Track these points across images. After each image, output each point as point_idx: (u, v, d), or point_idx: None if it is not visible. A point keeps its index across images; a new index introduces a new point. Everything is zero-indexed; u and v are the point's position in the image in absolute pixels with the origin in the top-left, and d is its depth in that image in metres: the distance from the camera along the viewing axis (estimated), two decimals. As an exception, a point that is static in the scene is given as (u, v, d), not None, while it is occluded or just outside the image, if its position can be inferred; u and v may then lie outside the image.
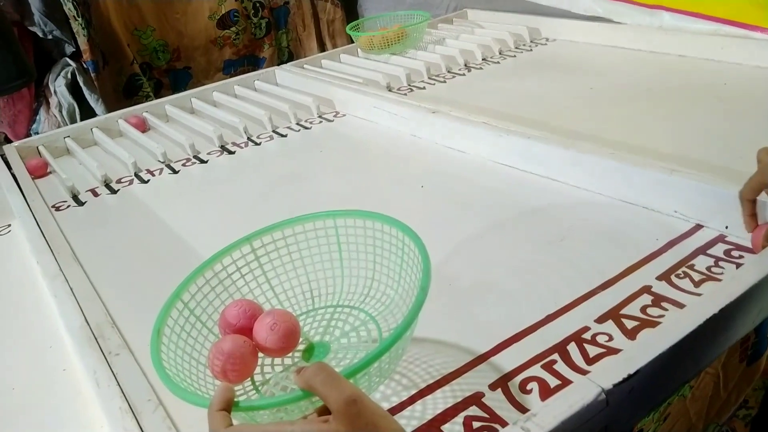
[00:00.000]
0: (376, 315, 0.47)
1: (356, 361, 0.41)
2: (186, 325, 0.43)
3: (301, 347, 0.45)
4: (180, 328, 0.42)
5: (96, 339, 0.50)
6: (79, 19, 1.42)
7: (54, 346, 0.56)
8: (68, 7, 1.42)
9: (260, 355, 0.43)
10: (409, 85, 1.11)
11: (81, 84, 1.51)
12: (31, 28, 1.54)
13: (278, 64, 1.44)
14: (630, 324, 0.48)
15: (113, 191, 0.86)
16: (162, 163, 0.93)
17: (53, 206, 0.83)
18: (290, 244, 0.48)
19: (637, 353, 0.39)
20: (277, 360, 0.45)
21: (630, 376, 0.37)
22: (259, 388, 0.43)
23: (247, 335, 0.42)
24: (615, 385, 0.37)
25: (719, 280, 0.51)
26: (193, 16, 1.61)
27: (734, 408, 0.68)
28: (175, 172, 0.90)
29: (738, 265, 0.53)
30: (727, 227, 0.57)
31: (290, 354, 0.44)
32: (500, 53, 1.22)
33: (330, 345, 0.46)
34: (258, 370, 0.44)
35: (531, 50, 1.23)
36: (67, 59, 1.56)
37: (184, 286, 0.44)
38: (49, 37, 1.53)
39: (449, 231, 0.65)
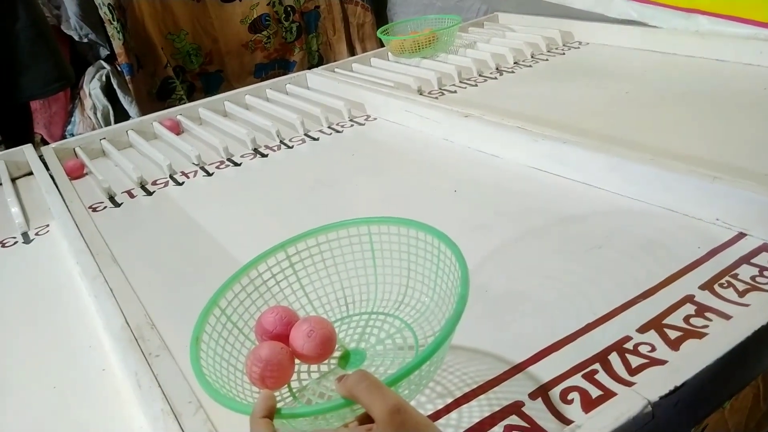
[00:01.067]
0: (411, 322, 0.46)
1: (394, 368, 0.40)
2: (223, 332, 0.43)
3: (337, 354, 0.45)
4: (218, 334, 0.42)
5: (136, 340, 0.51)
6: (115, 23, 1.45)
7: (93, 345, 0.57)
8: (104, 11, 1.45)
9: (296, 362, 0.43)
10: (440, 88, 1.11)
11: (115, 87, 1.53)
12: (67, 32, 1.58)
13: (308, 68, 1.45)
14: (673, 334, 0.47)
15: (149, 193, 0.88)
16: (196, 165, 0.94)
17: (90, 207, 0.85)
18: (324, 251, 0.48)
19: (683, 365, 0.38)
20: (313, 367, 0.45)
21: (677, 389, 0.37)
22: (296, 394, 0.43)
23: (284, 342, 0.42)
24: (661, 398, 0.36)
25: (764, 290, 0.50)
26: (225, 21, 1.64)
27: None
28: (209, 174, 0.91)
29: (784, 276, 0.51)
30: (771, 236, 0.56)
31: (326, 361, 0.44)
32: (532, 57, 1.21)
33: (366, 352, 0.46)
34: (294, 376, 0.44)
35: (564, 54, 1.22)
36: (102, 62, 1.59)
37: (220, 293, 0.44)
38: (85, 40, 1.56)
39: (483, 237, 0.65)
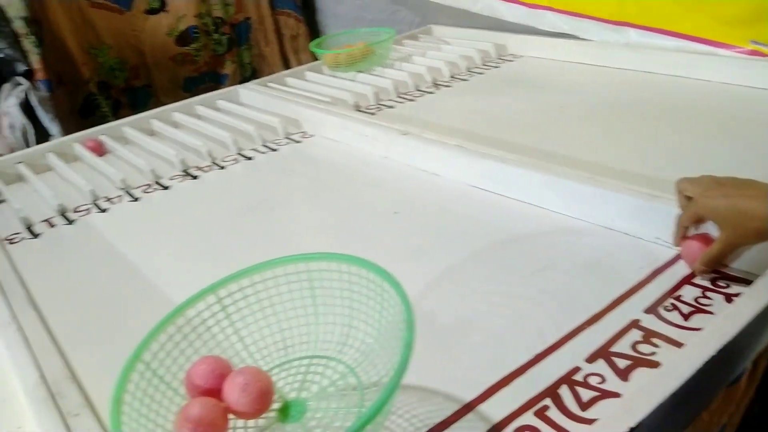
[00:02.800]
0: (355, 366, 0.44)
1: (337, 421, 0.38)
2: (149, 389, 0.39)
3: (276, 406, 0.42)
4: (142, 392, 0.38)
5: (53, 397, 0.46)
6: (31, 37, 1.36)
7: (7, 400, 0.52)
8: (18, 25, 1.36)
9: (232, 416, 0.40)
10: (377, 103, 1.09)
11: (34, 104, 1.44)
12: (-22, 46, 1.47)
13: (241, 81, 1.40)
14: (622, 363, 0.46)
15: (70, 221, 0.82)
16: (121, 189, 0.89)
17: (6, 239, 0.78)
18: (259, 291, 0.45)
19: (635, 403, 0.37)
20: (251, 422, 0.42)
21: (632, 430, 0.36)
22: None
23: (216, 396, 0.39)
24: (617, 441, 0.35)
25: (708, 312, 0.50)
26: (150, 33, 1.56)
27: (717, 430, 0.68)
28: (135, 199, 0.86)
29: (726, 296, 0.51)
30: (710, 254, 0.56)
31: (264, 415, 0.41)
32: (468, 70, 1.21)
33: (307, 402, 0.43)
34: (230, 432, 0.40)
35: (498, 67, 1.22)
36: (19, 78, 1.49)
37: (144, 345, 0.40)
38: (0, 55, 1.46)
39: (426, 262, 0.63)
